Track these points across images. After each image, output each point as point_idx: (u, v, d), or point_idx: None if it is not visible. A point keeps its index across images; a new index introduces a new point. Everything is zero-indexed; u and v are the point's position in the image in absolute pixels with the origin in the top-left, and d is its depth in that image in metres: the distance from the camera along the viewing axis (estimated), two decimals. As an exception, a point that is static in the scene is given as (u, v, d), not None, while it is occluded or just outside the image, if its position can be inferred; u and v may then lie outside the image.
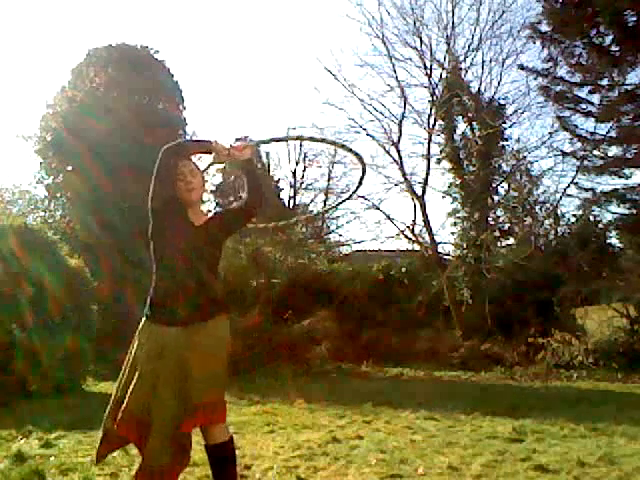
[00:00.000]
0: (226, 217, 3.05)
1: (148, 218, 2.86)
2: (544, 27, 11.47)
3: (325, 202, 22.06)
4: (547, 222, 13.78)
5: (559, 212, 13.53)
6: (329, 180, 20.88)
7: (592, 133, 11.76)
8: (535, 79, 12.30)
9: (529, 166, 13.93)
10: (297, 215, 20.19)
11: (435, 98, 14.38)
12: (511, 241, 14.14)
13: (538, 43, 11.79)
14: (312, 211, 22.14)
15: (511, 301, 12.29)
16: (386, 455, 4.42)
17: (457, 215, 14.20)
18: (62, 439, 4.90)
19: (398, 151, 14.78)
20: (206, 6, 33.00)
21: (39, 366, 7.11)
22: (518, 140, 14.05)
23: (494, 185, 14.07)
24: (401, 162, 14.76)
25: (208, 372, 2.68)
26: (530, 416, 6.05)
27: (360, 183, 3.68)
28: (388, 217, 15.18)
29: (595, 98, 11.51)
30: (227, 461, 2.86)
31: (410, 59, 14.71)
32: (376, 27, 14.67)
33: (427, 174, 14.58)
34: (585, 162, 12.04)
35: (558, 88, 11.64)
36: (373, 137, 15.10)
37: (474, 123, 14.11)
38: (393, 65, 14.72)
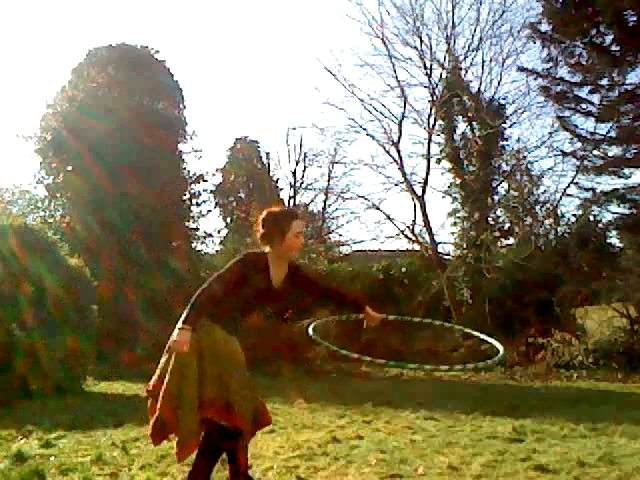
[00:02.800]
0: None
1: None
2: (544, 27, 11.46)
3: (325, 202, 22.08)
4: (547, 222, 13.77)
5: (559, 212, 13.53)
6: (329, 180, 20.86)
7: (592, 133, 11.75)
8: (535, 79, 12.30)
9: (529, 166, 13.93)
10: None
11: (435, 98, 14.37)
12: (511, 241, 14.13)
13: (538, 43, 11.77)
14: (312, 211, 22.15)
15: (511, 301, 12.28)
16: (386, 455, 4.41)
17: (457, 215, 14.20)
18: (62, 439, 4.89)
19: (398, 151, 14.79)
20: (206, 6, 33.02)
21: (39, 366, 7.11)
22: (518, 140, 14.07)
23: (494, 185, 14.07)
24: (401, 162, 14.76)
25: None
26: (530, 416, 6.05)
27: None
28: (388, 217, 15.19)
29: (595, 98, 11.51)
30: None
31: (410, 59, 14.73)
32: (376, 27, 14.69)
33: (427, 174, 14.59)
34: (585, 162, 12.03)
35: (558, 88, 11.62)
36: (373, 137, 15.13)
37: (474, 123, 14.11)
38: (393, 65, 14.74)
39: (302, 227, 3.32)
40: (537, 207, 13.71)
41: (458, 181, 14.05)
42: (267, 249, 3.29)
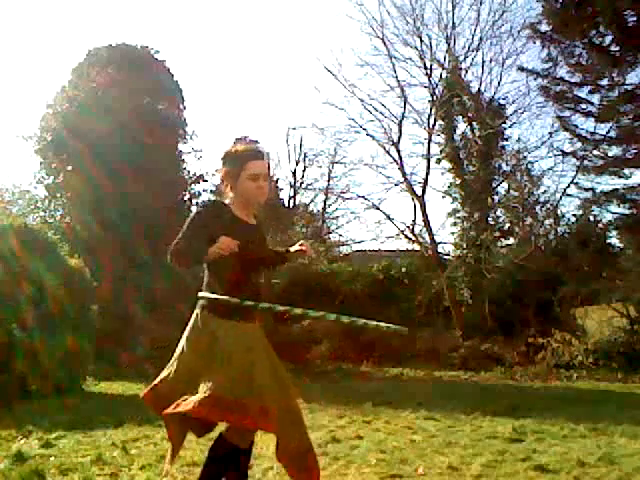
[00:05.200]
0: None
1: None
2: (544, 27, 11.48)
3: (325, 202, 22.10)
4: (547, 222, 13.80)
5: (559, 212, 13.57)
6: (329, 180, 20.85)
7: (592, 133, 11.76)
8: (535, 79, 12.32)
9: (529, 166, 13.97)
10: (297, 214, 20.19)
11: (435, 98, 14.39)
12: (511, 241, 14.16)
13: (538, 43, 11.80)
14: (312, 211, 22.15)
15: (511, 301, 12.30)
16: (386, 455, 4.41)
17: (457, 215, 14.22)
18: (62, 439, 4.89)
19: (398, 151, 14.81)
20: (206, 6, 33.01)
21: (39, 366, 7.11)
22: (518, 140, 14.11)
23: (494, 185, 14.08)
24: (401, 162, 14.78)
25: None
26: (530, 416, 6.05)
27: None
28: (388, 217, 15.22)
29: (595, 98, 11.52)
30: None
31: (410, 59, 14.77)
32: (376, 27, 14.74)
33: (427, 174, 14.61)
34: (585, 162, 12.05)
35: (558, 88, 11.64)
36: (373, 137, 15.16)
37: (474, 123, 14.13)
38: (393, 65, 14.78)
39: (261, 169, 2.79)
40: (537, 207, 13.74)
41: (458, 181, 14.06)
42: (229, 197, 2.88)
